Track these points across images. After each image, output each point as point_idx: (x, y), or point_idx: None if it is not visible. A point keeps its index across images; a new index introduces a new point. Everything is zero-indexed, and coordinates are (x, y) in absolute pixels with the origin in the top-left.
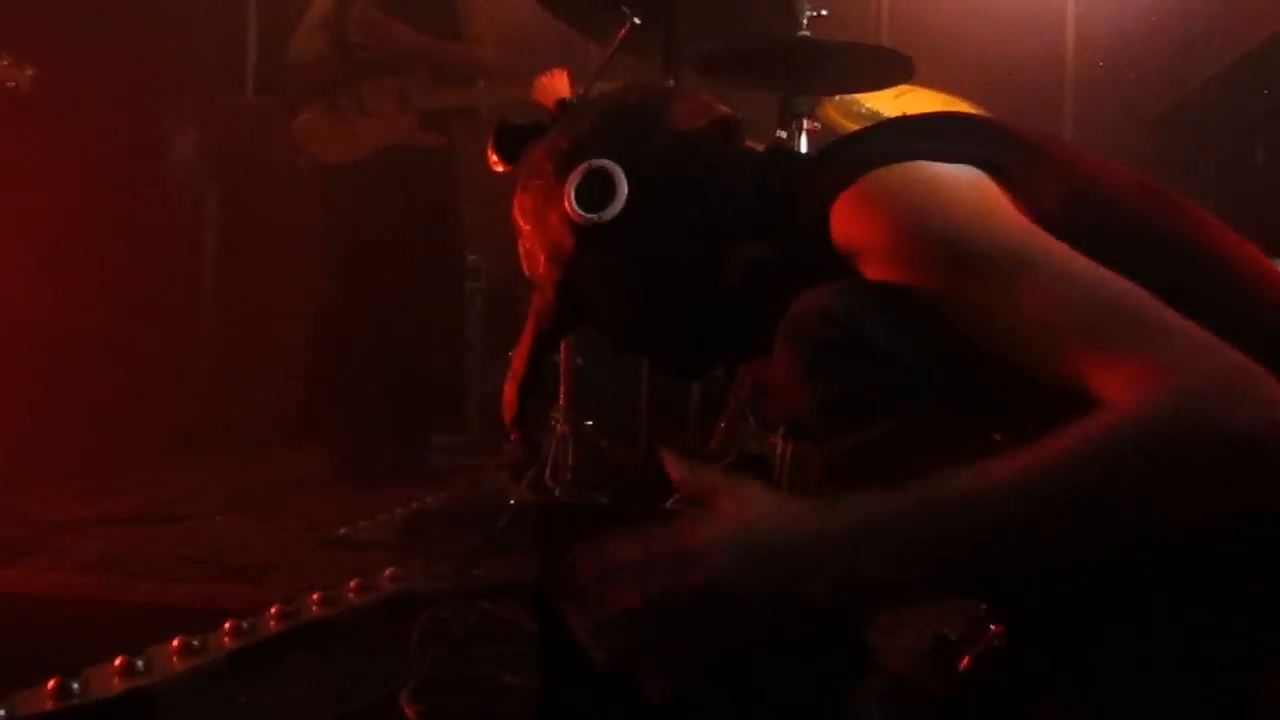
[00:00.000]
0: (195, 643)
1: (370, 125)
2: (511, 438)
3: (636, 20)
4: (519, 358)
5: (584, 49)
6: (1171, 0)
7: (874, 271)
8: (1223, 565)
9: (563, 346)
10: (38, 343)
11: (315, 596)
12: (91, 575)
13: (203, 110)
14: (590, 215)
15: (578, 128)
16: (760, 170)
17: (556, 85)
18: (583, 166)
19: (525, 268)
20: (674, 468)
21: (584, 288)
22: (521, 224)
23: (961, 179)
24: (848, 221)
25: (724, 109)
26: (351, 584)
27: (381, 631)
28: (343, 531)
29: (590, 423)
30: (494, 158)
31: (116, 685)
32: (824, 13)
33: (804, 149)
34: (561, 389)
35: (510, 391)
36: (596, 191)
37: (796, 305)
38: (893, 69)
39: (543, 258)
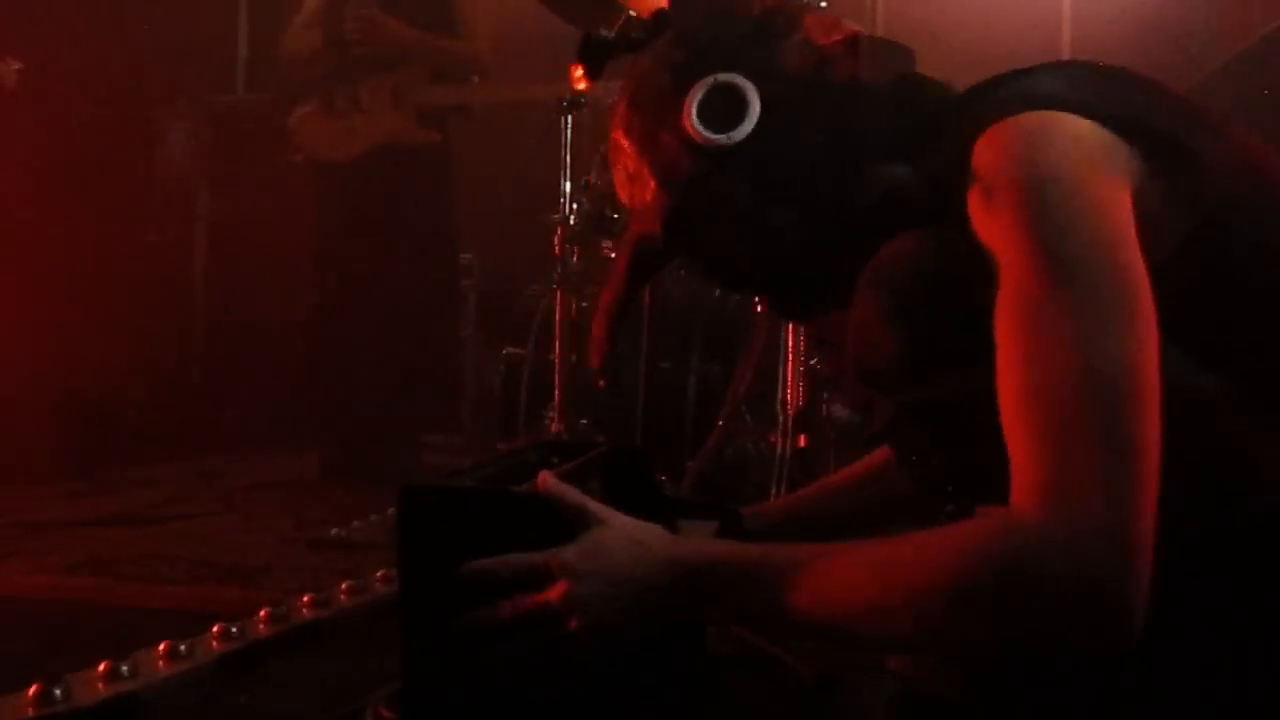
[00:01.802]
0: (182, 647)
1: (367, 122)
2: (600, 385)
3: (633, 13)
4: (610, 293)
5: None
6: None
7: (975, 206)
8: (1240, 567)
9: (556, 345)
10: (25, 340)
11: (306, 599)
12: (78, 577)
13: (193, 107)
14: (716, 136)
15: (697, 37)
16: (897, 95)
17: None
18: (707, 80)
19: (623, 194)
20: (548, 484)
21: (700, 216)
22: (623, 143)
23: (1103, 168)
24: (985, 149)
25: (854, 25)
26: (343, 586)
27: (373, 634)
28: (334, 532)
29: (585, 420)
30: (577, 73)
31: (101, 691)
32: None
33: None
34: (556, 388)
35: (599, 330)
36: (722, 109)
37: (885, 249)
38: None
39: (652, 183)
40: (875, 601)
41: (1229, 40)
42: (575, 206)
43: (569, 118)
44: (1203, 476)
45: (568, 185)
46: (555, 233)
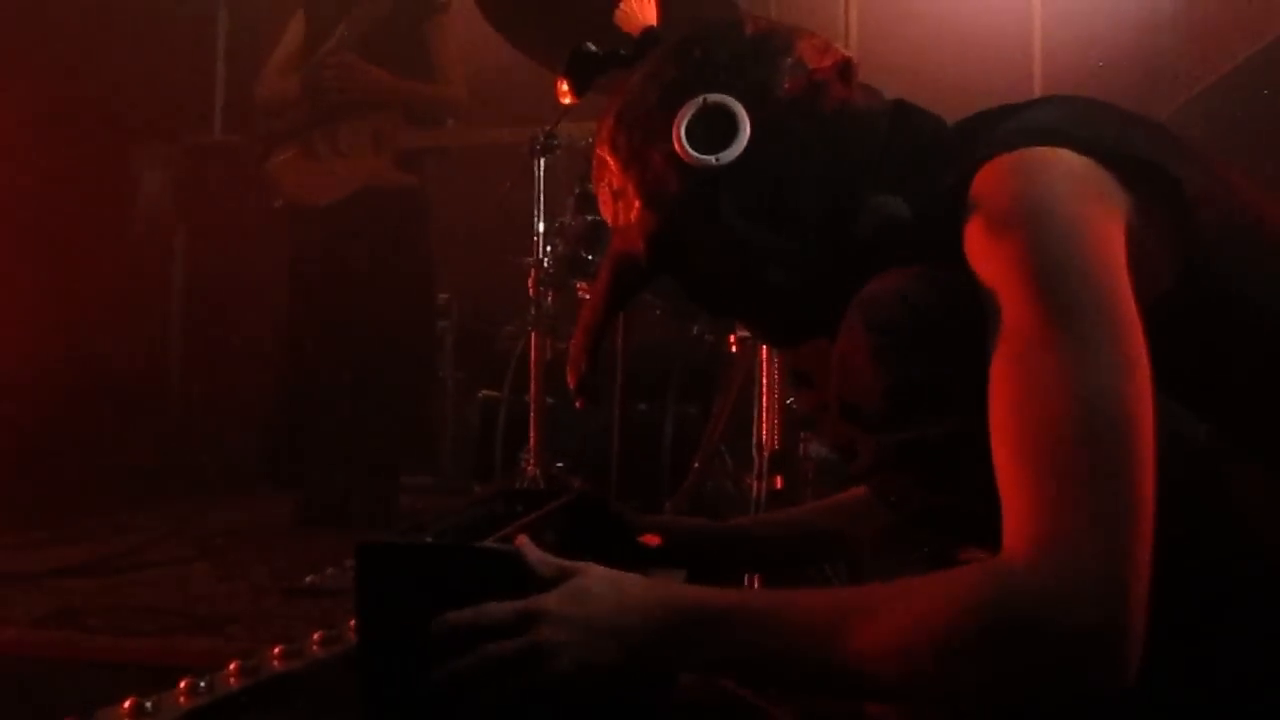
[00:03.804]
0: (148, 704)
1: (347, 166)
2: (578, 405)
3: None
4: (590, 312)
5: (552, 87)
6: (1137, 29)
7: (972, 241)
8: (1227, 613)
9: (532, 387)
10: None
11: (277, 650)
12: (44, 631)
13: (170, 148)
14: (704, 157)
15: (688, 56)
16: (891, 123)
17: (643, 11)
18: (696, 100)
19: (607, 213)
20: (528, 549)
21: (686, 238)
22: (608, 160)
23: (1099, 204)
24: (983, 184)
25: (842, 50)
26: (315, 636)
27: (347, 686)
28: (309, 579)
29: (561, 464)
30: (563, 87)
31: None
32: None
33: None
34: (532, 430)
35: (577, 350)
36: (712, 130)
37: (873, 284)
38: None
39: (637, 202)
40: (867, 646)
41: (1198, 74)
42: (550, 248)
43: (541, 160)
44: (1188, 522)
45: (541, 226)
46: (530, 274)
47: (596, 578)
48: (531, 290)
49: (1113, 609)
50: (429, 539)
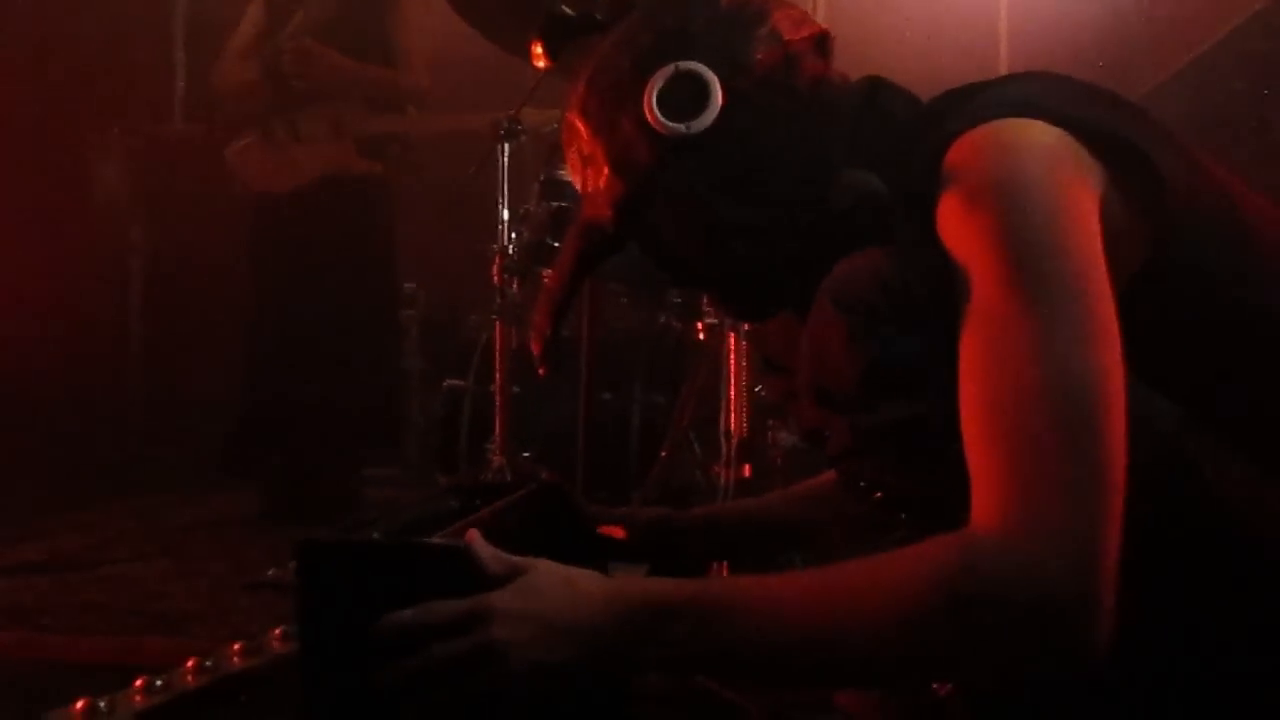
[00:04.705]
0: (102, 704)
1: (307, 153)
2: (541, 372)
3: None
4: (555, 279)
5: (516, 73)
6: (1103, 23)
7: (945, 215)
8: (1195, 590)
9: (497, 376)
10: None
11: (236, 647)
12: None
13: (130, 138)
14: (675, 125)
15: (662, 22)
16: (866, 96)
17: None
18: (669, 68)
19: (575, 178)
20: (477, 545)
21: (654, 207)
22: (578, 126)
23: (1074, 176)
24: (956, 157)
25: (820, 23)
26: (276, 631)
27: None
28: (271, 573)
29: (527, 454)
30: (537, 50)
31: None
32: None
33: None
34: (497, 420)
35: (542, 317)
36: (684, 98)
37: (844, 264)
38: None
39: (606, 168)
40: (830, 627)
41: (1162, 62)
42: (514, 235)
43: (505, 146)
44: (1159, 505)
45: (505, 214)
46: (494, 262)
47: (548, 573)
48: (496, 278)
49: (1082, 581)
50: (374, 535)
